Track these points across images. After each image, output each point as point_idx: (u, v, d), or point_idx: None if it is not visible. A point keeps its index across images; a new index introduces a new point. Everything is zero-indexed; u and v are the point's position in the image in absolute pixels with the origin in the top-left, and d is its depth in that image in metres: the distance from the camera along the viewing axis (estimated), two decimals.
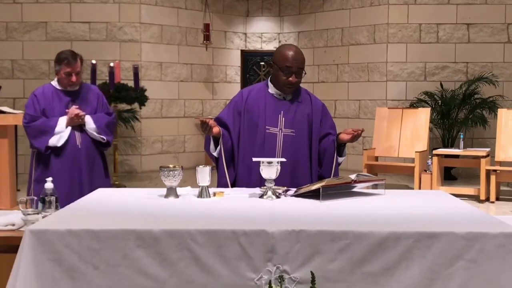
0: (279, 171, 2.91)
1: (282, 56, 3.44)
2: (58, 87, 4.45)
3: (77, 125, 4.38)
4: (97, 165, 4.49)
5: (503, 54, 9.80)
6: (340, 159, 3.58)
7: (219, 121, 3.56)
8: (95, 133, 4.43)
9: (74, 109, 4.35)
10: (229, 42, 11.38)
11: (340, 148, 3.55)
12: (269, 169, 2.89)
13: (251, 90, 3.61)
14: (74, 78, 4.36)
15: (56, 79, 4.47)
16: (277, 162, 2.91)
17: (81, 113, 4.34)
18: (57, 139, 4.31)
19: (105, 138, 4.47)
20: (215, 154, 3.52)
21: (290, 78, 3.42)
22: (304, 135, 3.51)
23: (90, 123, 4.41)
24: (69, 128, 4.35)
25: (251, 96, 3.55)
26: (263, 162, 2.90)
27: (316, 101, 3.61)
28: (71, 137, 4.34)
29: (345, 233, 2.22)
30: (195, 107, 10.86)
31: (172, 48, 10.39)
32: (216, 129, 3.43)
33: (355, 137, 3.42)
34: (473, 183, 8.56)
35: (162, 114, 10.33)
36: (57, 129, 4.31)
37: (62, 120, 4.34)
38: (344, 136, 3.46)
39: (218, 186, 3.43)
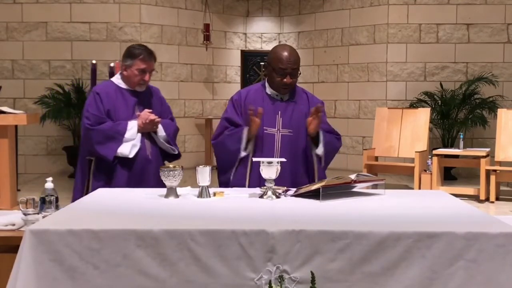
0: (279, 171, 2.92)
1: (276, 58, 3.42)
2: (122, 85, 3.84)
3: (146, 133, 3.77)
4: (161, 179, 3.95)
5: (503, 54, 9.79)
6: (319, 151, 3.51)
7: (229, 121, 3.53)
8: (165, 143, 3.87)
9: (147, 114, 3.74)
10: (229, 42, 11.37)
11: (314, 140, 3.50)
12: (269, 169, 2.89)
13: (249, 91, 3.62)
14: (147, 77, 3.79)
15: (119, 76, 3.87)
16: (277, 162, 2.92)
17: (157, 118, 3.76)
18: (129, 149, 3.66)
19: (175, 149, 3.91)
20: (244, 153, 3.46)
21: (285, 80, 3.41)
22: (302, 135, 3.51)
23: (160, 131, 3.84)
24: (139, 135, 3.72)
25: (249, 97, 3.56)
26: (263, 162, 2.90)
27: (313, 99, 3.61)
28: (141, 147, 3.73)
29: (345, 233, 2.22)
30: (195, 107, 10.85)
31: (172, 48, 10.38)
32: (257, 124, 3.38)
33: (316, 117, 3.37)
34: (473, 183, 8.55)
35: None
36: (127, 135, 3.67)
37: (133, 125, 3.71)
38: (310, 127, 3.43)
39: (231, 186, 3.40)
